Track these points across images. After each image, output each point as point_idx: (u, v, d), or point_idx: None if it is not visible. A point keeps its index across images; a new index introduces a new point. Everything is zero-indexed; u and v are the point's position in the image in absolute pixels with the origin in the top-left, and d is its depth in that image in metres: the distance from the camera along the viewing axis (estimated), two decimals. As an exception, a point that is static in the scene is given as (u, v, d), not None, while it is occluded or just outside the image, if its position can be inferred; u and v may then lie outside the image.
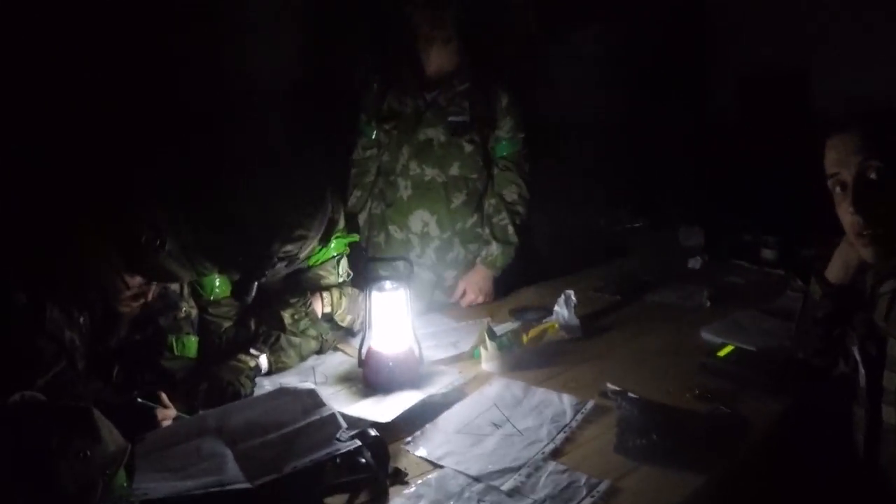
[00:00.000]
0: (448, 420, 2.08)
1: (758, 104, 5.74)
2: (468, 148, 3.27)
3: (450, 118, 3.23)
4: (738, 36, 6.14)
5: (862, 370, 1.94)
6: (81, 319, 1.99)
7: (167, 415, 2.02)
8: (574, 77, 4.83)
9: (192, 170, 2.10)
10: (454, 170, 3.26)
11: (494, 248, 3.31)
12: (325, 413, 1.98)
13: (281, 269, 2.24)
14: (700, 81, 7.11)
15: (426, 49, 3.19)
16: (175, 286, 2.34)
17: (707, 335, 2.66)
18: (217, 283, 2.48)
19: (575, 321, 2.74)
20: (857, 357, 1.96)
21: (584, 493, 1.70)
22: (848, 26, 5.18)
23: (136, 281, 2.03)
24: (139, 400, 2.00)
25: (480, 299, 3.25)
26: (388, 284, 2.36)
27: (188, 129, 2.70)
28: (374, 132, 3.32)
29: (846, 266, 2.03)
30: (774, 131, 5.42)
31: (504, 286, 3.39)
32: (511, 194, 3.34)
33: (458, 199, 3.30)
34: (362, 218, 3.37)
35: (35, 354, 1.83)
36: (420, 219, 3.29)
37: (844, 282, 2.04)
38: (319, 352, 2.63)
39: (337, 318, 2.70)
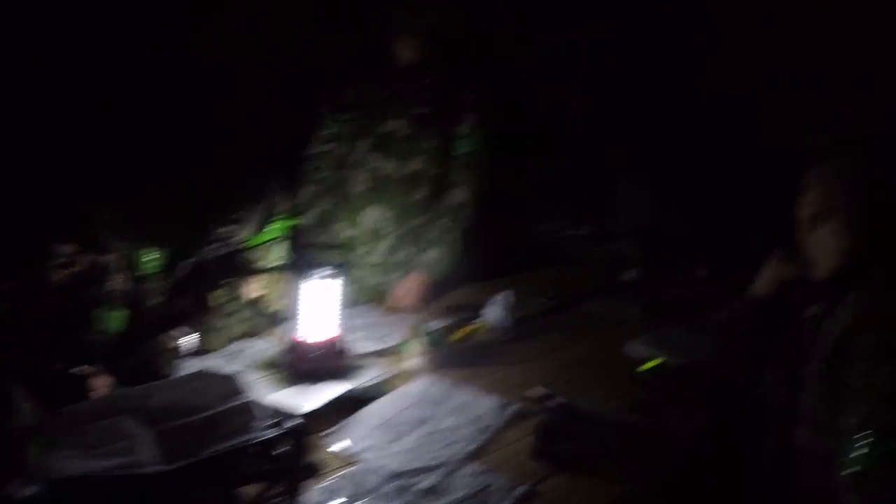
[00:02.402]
0: (370, 414, 2.07)
1: (708, 124, 5.81)
2: (431, 142, 3.17)
3: (414, 110, 3.13)
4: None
5: (779, 388, 1.99)
6: (7, 287, 1.94)
7: (101, 384, 1.98)
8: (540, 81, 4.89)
9: (136, 143, 2.06)
10: (415, 164, 3.17)
11: (435, 252, 3.22)
12: (246, 399, 1.94)
13: (215, 249, 2.21)
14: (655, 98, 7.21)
15: (399, 37, 3.09)
16: (107, 257, 2.29)
17: (636, 347, 2.68)
18: (150, 258, 2.42)
19: (506, 323, 2.73)
20: (776, 375, 2.01)
21: (500, 496, 1.70)
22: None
23: (66, 249, 1.98)
24: (75, 371, 1.96)
25: (418, 307, 3.11)
26: (321, 272, 2.34)
27: (141, 99, 2.65)
28: (334, 125, 3.18)
29: (769, 285, 2.11)
30: (722, 153, 5.50)
31: (440, 285, 3.33)
32: (460, 195, 3.24)
33: (416, 195, 3.22)
34: (312, 215, 3.22)
35: None
36: (374, 214, 3.21)
37: (767, 300, 2.11)
38: (248, 336, 2.60)
39: (268, 302, 2.66)
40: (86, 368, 2.02)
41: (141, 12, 3.17)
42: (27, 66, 2.73)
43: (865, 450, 1.57)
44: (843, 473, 1.61)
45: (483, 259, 4.81)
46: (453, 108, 3.20)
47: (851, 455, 1.59)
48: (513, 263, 4.16)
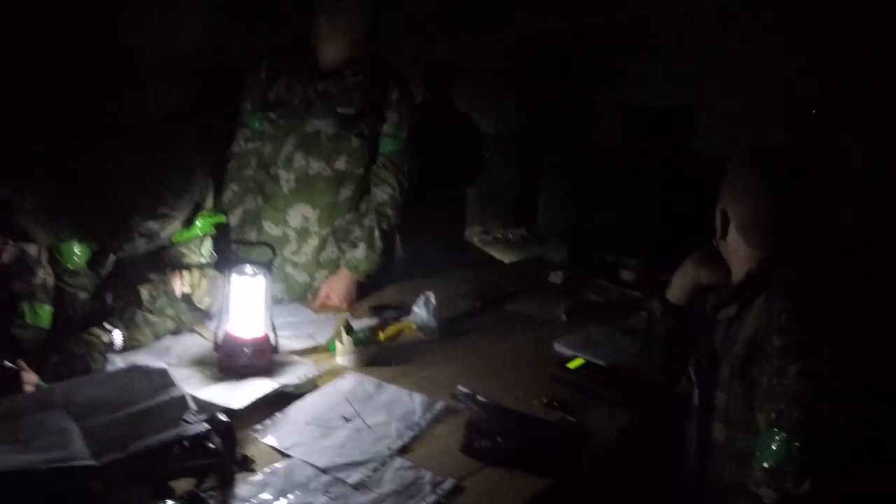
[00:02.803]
0: (299, 410, 2.08)
1: (641, 134, 5.94)
2: (356, 142, 3.18)
3: (339, 109, 3.13)
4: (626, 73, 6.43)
5: (695, 388, 2.06)
6: None
7: (30, 379, 1.97)
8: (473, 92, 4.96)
9: (61, 131, 2.03)
10: (341, 164, 3.18)
11: (360, 251, 3.23)
12: (176, 394, 1.95)
13: (141, 244, 2.20)
14: (589, 109, 7.36)
15: (327, 36, 3.08)
16: (32, 250, 2.27)
17: (560, 347, 2.74)
18: (76, 252, 2.40)
19: (433, 323, 2.77)
20: (692, 376, 2.08)
21: (429, 489, 1.72)
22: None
23: None
24: (4, 363, 1.94)
25: (344, 307, 3.16)
26: (248, 269, 2.35)
27: (61, 90, 2.62)
28: (259, 123, 3.18)
29: (684, 287, 2.20)
30: (652, 161, 5.62)
31: (366, 284, 3.36)
32: (382, 194, 3.26)
33: (341, 195, 3.23)
34: (237, 215, 3.23)
35: None
36: (300, 213, 3.21)
37: (681, 302, 2.20)
38: (175, 332, 2.60)
39: (196, 299, 2.66)
40: (17, 363, 1.99)
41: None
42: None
43: (777, 446, 1.64)
44: (756, 468, 1.68)
45: (408, 259, 4.86)
46: (377, 107, 3.23)
47: (765, 451, 1.66)
48: (438, 264, 4.21)
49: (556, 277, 3.82)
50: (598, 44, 7.27)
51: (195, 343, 2.55)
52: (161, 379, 2.04)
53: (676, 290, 2.26)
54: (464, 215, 5.49)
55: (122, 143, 2.03)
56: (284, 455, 1.86)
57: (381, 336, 2.64)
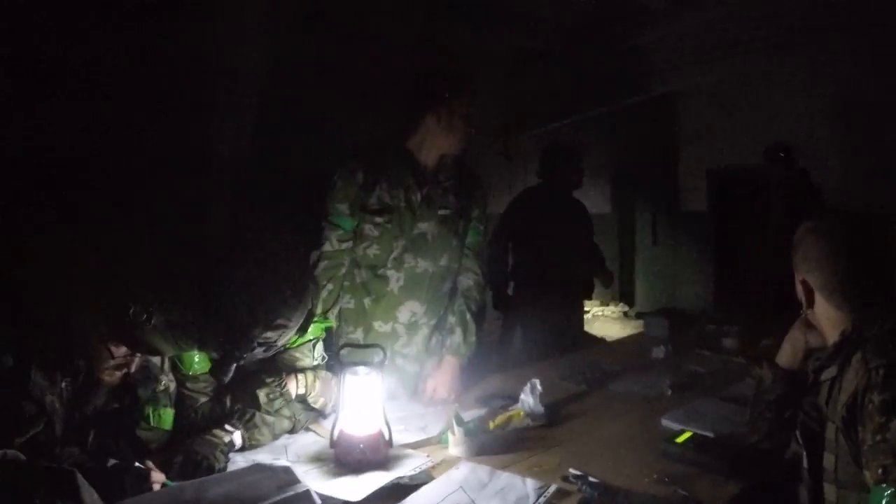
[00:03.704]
0: (416, 501, 2.13)
1: (725, 197, 5.89)
2: (454, 240, 3.32)
3: (440, 212, 3.26)
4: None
5: (804, 451, 2.07)
6: (63, 384, 2.04)
7: (159, 479, 2.08)
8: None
9: (182, 251, 2.16)
10: (444, 261, 3.30)
11: (458, 336, 3.34)
12: (300, 489, 2.03)
13: (259, 353, 2.29)
14: (674, 174, 7.37)
15: (450, 134, 3.21)
16: (156, 359, 2.40)
17: (667, 422, 2.76)
18: (196, 359, 2.53)
19: (540, 409, 2.81)
20: (800, 439, 2.09)
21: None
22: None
23: (121, 351, 2.08)
24: (136, 464, 2.05)
25: (452, 397, 3.21)
26: (362, 369, 2.45)
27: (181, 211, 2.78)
28: (353, 224, 3.24)
29: (795, 352, 2.21)
30: (739, 224, 5.57)
31: (473, 374, 3.45)
32: (468, 281, 3.41)
33: (443, 288, 3.35)
34: (334, 313, 3.29)
35: (16, 415, 1.88)
36: (409, 309, 3.29)
37: (793, 367, 2.21)
38: (292, 431, 2.69)
39: (310, 399, 2.75)
40: (146, 463, 2.11)
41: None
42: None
43: (886, 501, 1.64)
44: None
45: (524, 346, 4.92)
46: (466, 206, 3.37)
47: (876, 507, 1.67)
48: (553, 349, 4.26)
49: (658, 352, 3.83)
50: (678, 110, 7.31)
51: (311, 441, 2.64)
52: (285, 476, 2.13)
53: (787, 354, 2.27)
54: (581, 301, 5.53)
55: (238, 259, 2.15)
56: None
57: (491, 425, 2.68)
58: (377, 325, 3.31)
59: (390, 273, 3.26)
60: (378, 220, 3.21)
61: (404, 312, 3.30)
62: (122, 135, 3.60)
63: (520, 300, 5.25)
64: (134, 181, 3.46)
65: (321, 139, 4.12)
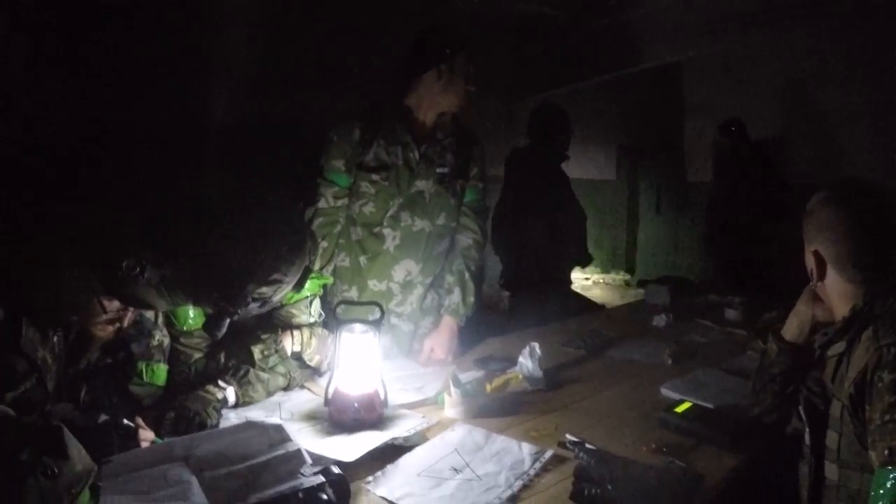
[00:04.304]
0: (409, 462, 2.11)
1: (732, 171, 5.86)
2: (452, 199, 3.30)
3: (438, 170, 3.24)
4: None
5: (806, 428, 2.03)
6: (55, 339, 2.01)
7: (147, 436, 2.06)
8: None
9: (175, 206, 2.13)
10: (441, 219, 3.28)
11: (456, 296, 3.32)
12: (291, 448, 2.01)
13: (254, 308, 2.26)
14: (680, 144, 7.33)
15: (437, 104, 3.22)
16: (149, 314, 2.37)
17: (666, 391, 2.73)
18: (191, 315, 2.51)
19: (538, 373, 2.79)
20: (803, 415, 2.05)
21: (539, 538, 1.74)
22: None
23: (114, 305, 2.04)
24: (124, 421, 2.02)
25: (450, 358, 3.20)
26: (358, 327, 2.41)
27: (176, 166, 2.75)
28: (349, 181, 3.22)
29: (801, 325, 2.16)
30: (748, 198, 5.54)
31: (471, 337, 3.43)
32: (466, 239, 3.39)
33: (440, 247, 3.33)
34: (328, 271, 3.28)
35: (7, 370, 1.85)
36: (405, 268, 3.28)
37: (799, 341, 2.16)
38: (286, 388, 2.67)
39: (305, 357, 2.72)
40: (136, 420, 2.08)
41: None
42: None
43: (892, 484, 1.61)
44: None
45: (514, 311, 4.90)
46: (463, 164, 3.33)
47: (879, 490, 1.63)
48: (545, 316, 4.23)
49: (659, 321, 3.80)
50: (684, 80, 7.26)
51: (306, 399, 2.62)
52: (276, 433, 2.11)
53: (793, 328, 2.22)
54: (567, 268, 5.47)
55: (234, 214, 2.11)
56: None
57: (489, 388, 2.65)
58: (372, 283, 3.30)
59: (386, 231, 3.24)
60: (374, 177, 3.19)
61: (399, 271, 3.29)
62: (120, 98, 3.57)
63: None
64: (132, 141, 3.44)
65: (321, 103, 4.07)
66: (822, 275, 2.02)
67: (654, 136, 9.01)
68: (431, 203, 3.25)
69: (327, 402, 2.38)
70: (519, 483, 2.00)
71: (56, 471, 1.52)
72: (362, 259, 3.30)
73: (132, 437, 2.02)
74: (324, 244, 3.21)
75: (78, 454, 1.60)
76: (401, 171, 3.20)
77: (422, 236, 3.26)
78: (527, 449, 2.19)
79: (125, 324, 2.14)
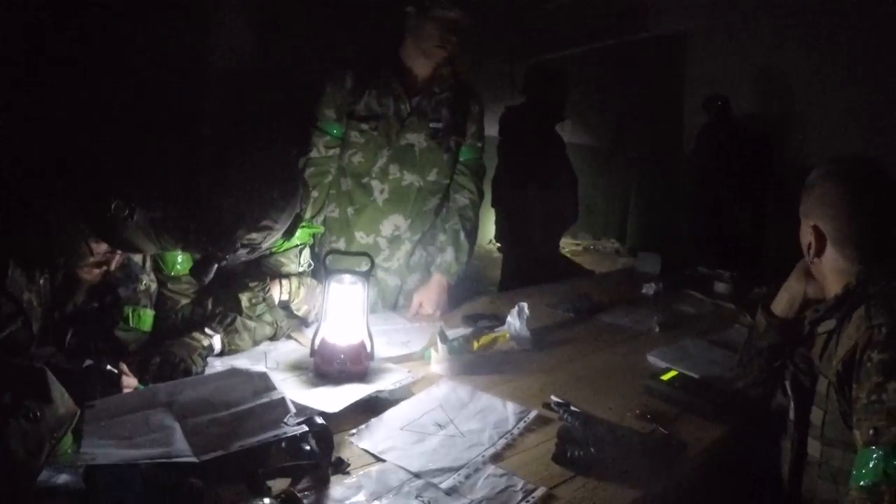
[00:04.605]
0: (393, 416, 2.11)
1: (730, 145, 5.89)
2: (445, 155, 3.26)
3: (431, 124, 3.20)
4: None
5: (791, 403, 2.03)
6: (41, 282, 1.99)
7: (130, 383, 2.04)
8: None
9: (167, 149, 2.10)
10: (432, 175, 3.25)
11: (449, 255, 3.30)
12: (275, 396, 2.00)
13: (242, 255, 2.24)
14: (679, 115, 7.32)
15: (430, 52, 3.11)
16: (137, 258, 2.35)
17: (653, 359, 2.73)
18: (179, 260, 2.48)
19: (526, 333, 2.78)
20: (788, 390, 2.05)
21: (520, 497, 1.73)
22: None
23: (102, 248, 2.02)
24: (108, 367, 2.01)
25: (438, 314, 3.20)
26: (347, 278, 2.39)
27: (166, 110, 2.72)
28: (341, 130, 3.19)
29: (791, 301, 2.16)
30: (741, 173, 5.55)
31: (460, 294, 3.42)
32: (463, 199, 3.36)
33: (430, 204, 3.31)
34: (318, 221, 3.26)
35: None
36: (393, 223, 3.26)
37: (789, 316, 2.16)
38: (273, 338, 2.66)
39: (293, 306, 2.72)
40: (119, 367, 2.07)
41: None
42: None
43: (874, 464, 1.60)
44: (853, 487, 1.64)
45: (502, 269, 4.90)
46: (460, 121, 3.29)
47: (861, 469, 1.63)
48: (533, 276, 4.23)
49: (648, 289, 3.79)
50: (687, 51, 7.23)
51: (292, 349, 2.61)
52: (261, 381, 2.10)
53: (783, 303, 2.22)
54: (559, 232, 5.46)
55: (226, 158, 2.08)
56: (378, 459, 1.88)
57: (475, 345, 2.65)
58: (359, 236, 3.28)
59: (374, 183, 3.22)
60: (364, 126, 3.16)
61: (387, 226, 3.27)
62: (116, 39, 3.53)
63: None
64: (126, 84, 3.40)
65: (319, 51, 4.03)
66: (820, 250, 2.00)
67: (655, 105, 8.96)
68: (422, 158, 3.21)
69: (313, 352, 2.37)
70: (503, 441, 2.00)
71: (38, 414, 1.51)
72: (350, 210, 3.28)
73: (115, 382, 2.00)
74: (314, 194, 3.18)
75: (61, 398, 1.59)
76: (391, 121, 3.16)
77: (411, 191, 3.23)
78: (511, 408, 2.19)
79: (112, 267, 2.12)
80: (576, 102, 5.12)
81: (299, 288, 2.71)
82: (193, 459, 1.70)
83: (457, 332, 2.77)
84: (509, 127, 5.03)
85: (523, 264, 4.83)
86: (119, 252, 2.09)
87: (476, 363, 2.56)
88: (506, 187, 4.87)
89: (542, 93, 4.97)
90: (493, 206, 4.93)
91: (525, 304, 2.84)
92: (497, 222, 5.06)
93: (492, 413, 2.16)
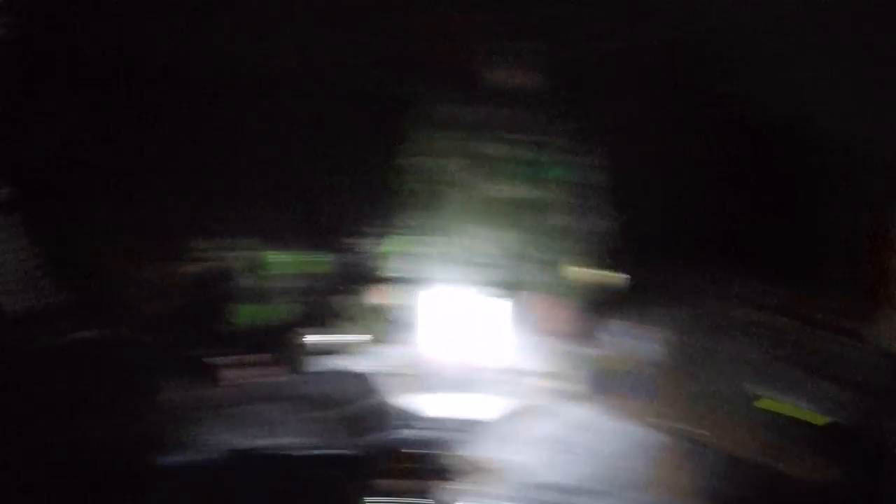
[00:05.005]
0: (521, 429, 2.11)
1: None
2: (561, 170, 3.16)
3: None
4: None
5: None
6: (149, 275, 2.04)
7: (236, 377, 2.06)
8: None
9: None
10: (544, 192, 3.13)
11: (569, 272, 3.24)
12: (385, 400, 2.07)
13: (349, 259, 2.26)
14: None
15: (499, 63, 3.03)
16: (239, 255, 2.38)
17: (770, 390, 2.65)
18: (281, 260, 2.48)
19: (658, 355, 2.71)
20: None
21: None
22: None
23: (204, 244, 2.07)
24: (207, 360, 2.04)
25: (567, 331, 3.12)
26: (462, 288, 2.50)
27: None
28: (429, 142, 3.03)
29: None
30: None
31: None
32: (564, 218, 3.26)
33: (533, 218, 3.25)
34: (445, 232, 3.20)
35: None
36: (508, 236, 3.20)
37: None
38: (383, 342, 2.62)
39: (399, 311, 2.69)
40: (230, 360, 2.08)
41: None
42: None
43: None
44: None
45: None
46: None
47: None
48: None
49: (760, 315, 3.73)
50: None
51: (398, 353, 2.57)
52: (372, 383, 2.12)
53: None
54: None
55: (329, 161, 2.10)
56: (496, 469, 1.88)
57: (608, 364, 2.61)
58: (476, 246, 3.23)
59: (491, 194, 3.11)
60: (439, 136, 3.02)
61: (505, 238, 3.20)
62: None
63: None
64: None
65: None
66: None
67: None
68: (523, 171, 3.11)
69: (422, 359, 2.39)
70: (631, 466, 2.00)
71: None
72: (465, 221, 3.22)
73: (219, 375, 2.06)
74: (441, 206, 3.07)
75: (174, 387, 1.62)
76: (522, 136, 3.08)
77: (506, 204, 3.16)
78: (640, 433, 2.18)
79: (214, 263, 2.18)
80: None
81: (405, 294, 2.69)
82: (308, 453, 1.77)
83: (588, 350, 2.72)
84: None
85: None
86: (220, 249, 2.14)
87: (609, 383, 2.53)
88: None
89: None
90: None
91: (653, 328, 2.78)
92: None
93: (622, 436, 2.15)
